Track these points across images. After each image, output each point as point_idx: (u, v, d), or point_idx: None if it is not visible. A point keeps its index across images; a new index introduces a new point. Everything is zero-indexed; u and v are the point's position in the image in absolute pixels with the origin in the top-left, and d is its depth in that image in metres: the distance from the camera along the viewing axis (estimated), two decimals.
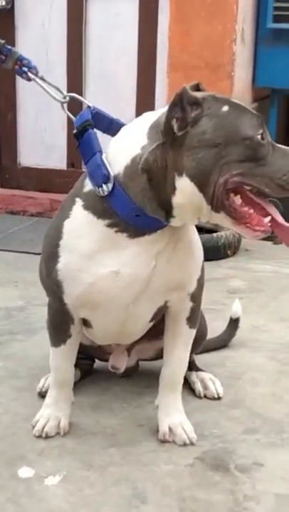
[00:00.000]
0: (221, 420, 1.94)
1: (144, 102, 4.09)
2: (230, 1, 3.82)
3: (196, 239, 1.75)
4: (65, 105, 1.87)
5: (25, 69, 1.84)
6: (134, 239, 1.60)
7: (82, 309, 1.73)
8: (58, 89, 1.84)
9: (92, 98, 4.29)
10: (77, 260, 1.63)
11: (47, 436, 1.82)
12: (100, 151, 1.61)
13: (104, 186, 1.56)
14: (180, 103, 1.49)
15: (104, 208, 1.59)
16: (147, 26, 4.12)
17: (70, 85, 4.32)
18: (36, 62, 4.44)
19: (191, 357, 2.09)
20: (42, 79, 1.85)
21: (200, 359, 2.23)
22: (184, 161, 1.50)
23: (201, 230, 3.58)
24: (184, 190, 1.52)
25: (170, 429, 1.82)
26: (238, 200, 1.55)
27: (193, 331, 1.83)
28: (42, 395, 1.97)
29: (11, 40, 4.42)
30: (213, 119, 1.50)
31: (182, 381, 1.87)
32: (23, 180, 4.55)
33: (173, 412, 1.84)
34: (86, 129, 1.64)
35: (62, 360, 1.83)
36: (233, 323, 2.44)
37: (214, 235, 3.51)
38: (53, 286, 1.71)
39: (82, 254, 1.63)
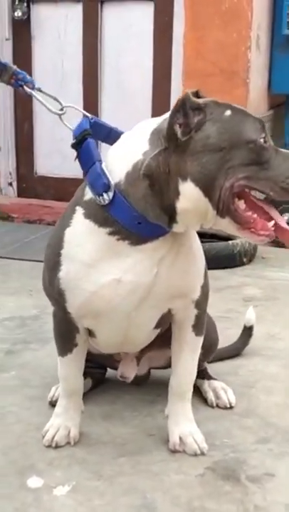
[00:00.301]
0: (233, 429, 1.92)
1: (160, 110, 4.06)
2: (245, 8, 3.82)
3: (197, 245, 1.74)
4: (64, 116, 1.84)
5: (20, 83, 1.85)
6: (136, 246, 1.60)
7: (85, 319, 1.73)
8: (56, 99, 1.83)
9: (108, 107, 4.33)
10: (79, 269, 1.63)
11: (57, 446, 1.81)
12: (100, 160, 1.60)
13: (104, 195, 1.56)
14: (182, 109, 1.49)
15: (105, 216, 1.58)
16: (162, 35, 4.13)
17: (85, 95, 4.36)
18: (52, 72, 4.50)
19: (202, 365, 2.08)
20: (39, 91, 1.85)
21: (213, 367, 2.21)
22: (188, 165, 1.50)
23: (216, 237, 3.61)
24: (189, 195, 1.51)
25: (180, 439, 1.80)
26: (241, 204, 1.54)
27: (200, 339, 1.81)
28: (53, 404, 1.96)
29: (27, 51, 4.48)
30: (216, 123, 1.50)
31: (191, 389, 1.85)
32: (39, 189, 4.58)
33: (183, 422, 1.82)
34: (85, 139, 1.64)
35: (70, 370, 1.82)
36: (247, 331, 2.42)
37: (230, 242, 3.49)
38: (56, 295, 1.70)
39: (84, 262, 1.62)
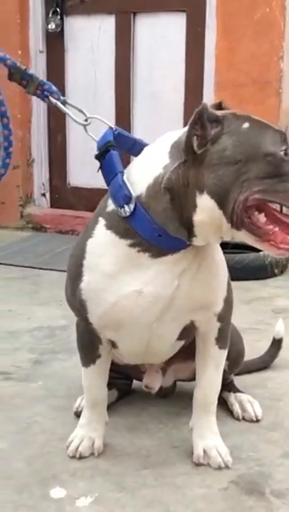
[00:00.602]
0: (258, 443, 1.89)
1: None
2: (277, 18, 3.81)
3: (220, 258, 1.72)
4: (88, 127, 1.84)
5: (46, 93, 1.87)
6: (156, 259, 1.59)
7: (106, 330, 1.72)
8: (81, 111, 1.83)
9: (141, 118, 4.34)
10: (100, 280, 1.63)
11: (81, 457, 1.81)
12: (122, 172, 1.60)
13: (126, 207, 1.55)
14: (200, 120, 1.48)
15: (126, 228, 1.58)
16: (194, 45, 4.14)
17: (118, 105, 4.38)
18: (85, 84, 4.53)
19: (229, 378, 2.07)
20: (65, 102, 1.86)
21: (240, 380, 2.19)
22: (205, 178, 1.49)
23: (248, 248, 3.58)
24: (205, 208, 1.51)
25: (204, 451, 1.78)
26: (262, 218, 1.52)
27: (224, 352, 1.79)
28: (78, 415, 1.95)
29: (61, 63, 4.52)
30: (233, 136, 1.49)
31: (216, 402, 1.83)
32: (72, 200, 4.61)
33: (207, 435, 1.80)
34: (108, 150, 1.64)
35: (93, 380, 1.82)
36: (276, 343, 2.39)
37: (261, 253, 3.46)
38: (78, 306, 1.71)
39: (105, 273, 1.62)
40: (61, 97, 1.86)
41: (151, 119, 4.29)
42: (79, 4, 4.40)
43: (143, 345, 1.75)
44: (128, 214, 1.56)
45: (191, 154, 1.50)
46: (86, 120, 1.81)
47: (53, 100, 1.86)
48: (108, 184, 1.62)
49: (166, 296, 1.62)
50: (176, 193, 1.52)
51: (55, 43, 4.51)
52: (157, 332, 1.70)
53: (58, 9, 4.41)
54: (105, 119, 1.79)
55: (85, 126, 1.81)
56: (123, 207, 1.56)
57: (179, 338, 1.78)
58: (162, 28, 4.23)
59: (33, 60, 4.51)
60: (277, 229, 1.53)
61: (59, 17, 4.42)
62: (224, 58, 3.95)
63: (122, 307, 1.63)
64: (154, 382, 1.98)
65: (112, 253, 1.61)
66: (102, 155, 1.64)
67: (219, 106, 1.58)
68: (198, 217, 1.52)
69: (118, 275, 1.61)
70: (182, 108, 4.21)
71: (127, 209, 1.55)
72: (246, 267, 3.36)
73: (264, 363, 2.38)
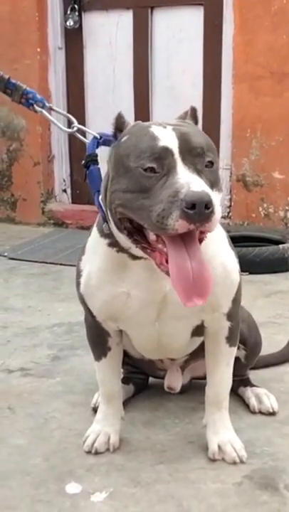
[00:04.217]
0: (273, 438, 1.90)
1: (210, 113, 4.08)
2: None
3: (222, 261, 1.66)
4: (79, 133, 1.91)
5: (31, 101, 1.90)
6: (135, 261, 1.61)
7: (110, 322, 1.75)
8: (68, 118, 1.91)
9: (159, 111, 4.34)
10: (93, 276, 1.68)
11: (96, 452, 1.83)
12: (99, 191, 1.63)
13: (105, 224, 1.60)
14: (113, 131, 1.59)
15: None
16: (212, 38, 4.13)
17: (136, 100, 4.38)
18: (104, 79, 4.52)
19: (246, 374, 2.08)
20: (51, 109, 1.91)
21: (257, 374, 2.20)
22: None
23: (268, 241, 3.57)
24: None
25: (219, 447, 1.78)
26: (152, 235, 1.48)
27: (234, 349, 1.79)
28: (95, 411, 1.97)
29: (80, 59, 4.53)
30: (115, 148, 1.54)
31: (228, 398, 1.83)
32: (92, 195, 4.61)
33: (221, 430, 1.80)
34: (90, 164, 1.69)
35: (105, 374, 1.84)
36: None
37: (280, 246, 3.45)
38: (80, 300, 1.76)
39: (97, 270, 1.67)
40: (47, 104, 1.91)
41: (169, 113, 4.24)
42: (97, 0, 4.40)
43: (154, 341, 1.77)
44: (107, 232, 1.59)
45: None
46: (73, 128, 1.89)
47: (38, 108, 1.90)
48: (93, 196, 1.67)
49: (156, 300, 1.64)
50: None
51: (73, 39, 4.52)
52: (164, 330, 1.72)
53: (75, 6, 4.42)
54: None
55: (72, 133, 1.89)
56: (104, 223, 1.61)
57: (197, 334, 1.79)
58: (180, 22, 4.23)
59: (52, 56, 4.53)
60: (161, 246, 1.48)
61: (77, 13, 4.43)
62: (242, 51, 3.93)
63: (114, 306, 1.67)
64: (176, 383, 2.00)
65: (98, 251, 1.66)
66: (87, 167, 1.69)
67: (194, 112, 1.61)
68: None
69: (108, 274, 1.65)
70: (200, 102, 4.19)
71: (106, 226, 1.59)
72: (265, 261, 3.35)
73: (283, 357, 2.37)
